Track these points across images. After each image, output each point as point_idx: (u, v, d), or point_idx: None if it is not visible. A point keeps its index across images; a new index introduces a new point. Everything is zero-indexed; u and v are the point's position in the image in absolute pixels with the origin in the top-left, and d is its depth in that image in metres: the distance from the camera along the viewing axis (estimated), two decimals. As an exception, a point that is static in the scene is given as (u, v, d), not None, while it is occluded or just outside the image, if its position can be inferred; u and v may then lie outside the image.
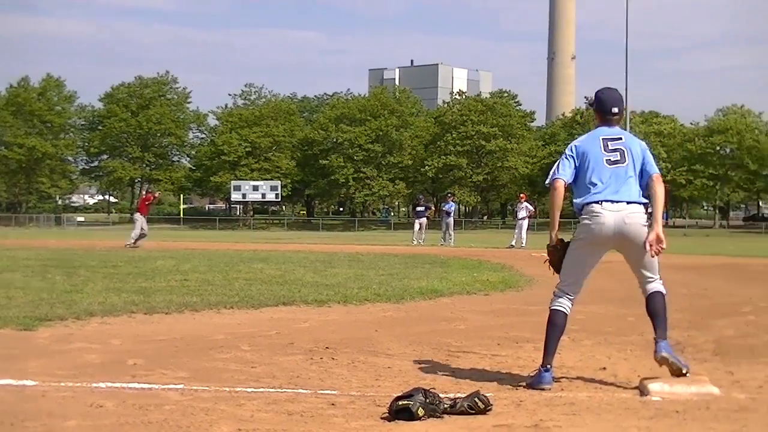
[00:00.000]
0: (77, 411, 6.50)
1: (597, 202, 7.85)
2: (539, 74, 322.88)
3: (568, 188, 8.09)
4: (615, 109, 8.14)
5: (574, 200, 8.06)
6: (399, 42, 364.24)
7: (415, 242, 43.39)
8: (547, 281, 19.77)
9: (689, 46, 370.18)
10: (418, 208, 46.96)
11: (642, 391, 7.43)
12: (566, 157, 8.08)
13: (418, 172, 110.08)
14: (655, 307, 8.16)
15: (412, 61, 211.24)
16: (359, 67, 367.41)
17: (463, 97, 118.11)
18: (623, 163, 7.92)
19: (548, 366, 7.83)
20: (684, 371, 7.70)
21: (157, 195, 41.93)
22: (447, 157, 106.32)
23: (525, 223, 41.62)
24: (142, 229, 35.56)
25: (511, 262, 26.06)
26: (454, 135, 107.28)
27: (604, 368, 8.56)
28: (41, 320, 11.38)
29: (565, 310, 8.12)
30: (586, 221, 7.94)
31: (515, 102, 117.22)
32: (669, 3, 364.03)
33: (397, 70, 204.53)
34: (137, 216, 36.84)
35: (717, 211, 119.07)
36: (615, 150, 7.95)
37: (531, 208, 44.05)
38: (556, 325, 8.05)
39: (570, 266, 8.30)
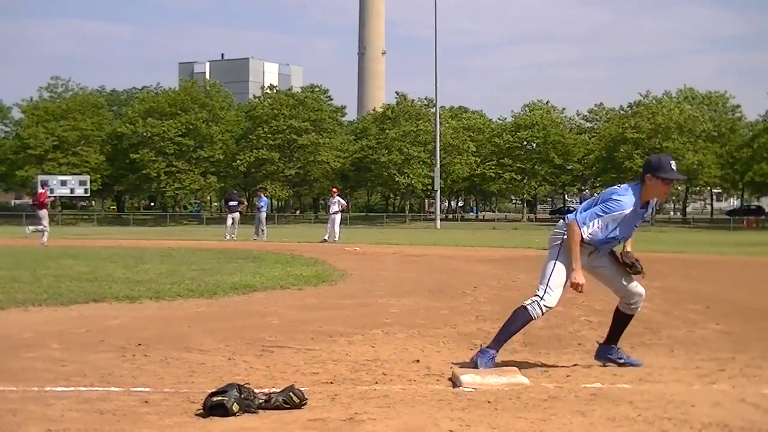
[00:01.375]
0: None
1: None
2: (350, 69, 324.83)
3: None
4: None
5: None
6: (209, 36, 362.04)
7: (227, 237, 43.16)
8: (360, 275, 19.96)
9: (497, 43, 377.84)
10: (231, 203, 46.72)
11: (454, 382, 7.55)
12: None
13: (230, 167, 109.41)
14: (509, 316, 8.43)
15: (222, 54, 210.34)
16: (169, 61, 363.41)
17: (274, 91, 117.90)
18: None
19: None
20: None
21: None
22: (259, 152, 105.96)
23: (338, 217, 41.84)
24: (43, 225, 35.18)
25: (324, 257, 26.15)
26: (265, 129, 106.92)
27: (418, 361, 8.66)
28: None
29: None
30: None
31: (326, 96, 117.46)
32: (478, 2, 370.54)
33: (208, 64, 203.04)
34: (44, 212, 35.81)
35: (525, 205, 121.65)
36: None
37: (343, 202, 44.27)
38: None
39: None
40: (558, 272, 8.27)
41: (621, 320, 8.68)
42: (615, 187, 8.54)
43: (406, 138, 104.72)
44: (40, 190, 39.02)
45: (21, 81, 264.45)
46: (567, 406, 6.69)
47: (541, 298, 8.22)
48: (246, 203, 47.22)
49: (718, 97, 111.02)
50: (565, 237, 8.29)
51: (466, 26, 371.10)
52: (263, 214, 45.35)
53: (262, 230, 44.20)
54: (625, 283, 8.51)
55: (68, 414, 6.36)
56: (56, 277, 17.51)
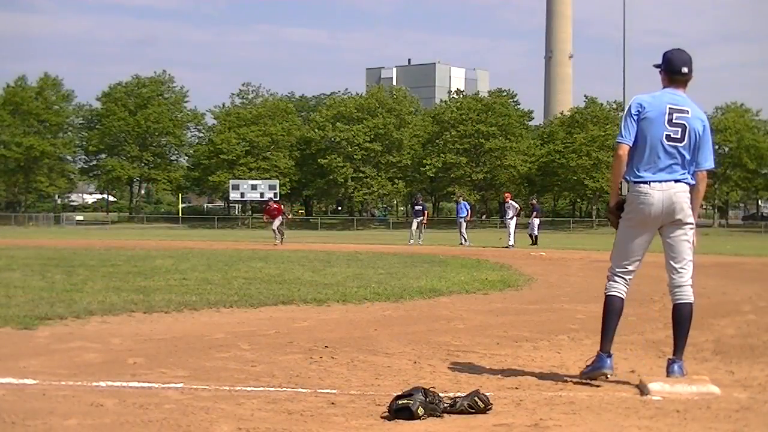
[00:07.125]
0: (77, 410, 6.47)
1: (646, 183, 7.72)
2: (537, 72, 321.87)
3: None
4: (685, 69, 7.84)
5: (626, 175, 7.87)
6: (397, 41, 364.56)
7: (411, 242, 43.45)
8: (545, 280, 19.82)
9: (688, 43, 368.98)
10: (416, 207, 47.01)
11: (642, 390, 7.41)
12: (630, 117, 7.80)
13: (417, 171, 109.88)
14: (679, 318, 8.03)
15: (409, 60, 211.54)
16: (357, 67, 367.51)
17: (461, 96, 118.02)
18: (681, 142, 7.74)
19: (609, 352, 7.87)
20: None
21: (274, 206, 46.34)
22: (446, 156, 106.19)
23: (513, 222, 41.57)
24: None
25: (510, 262, 26.08)
26: (452, 134, 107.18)
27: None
28: (41, 319, 11.38)
29: (620, 295, 7.99)
30: (635, 200, 7.80)
31: (513, 101, 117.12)
32: (667, 1, 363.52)
33: (395, 69, 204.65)
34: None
35: (716, 210, 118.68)
36: (677, 125, 7.73)
37: (516, 206, 43.92)
38: (612, 310, 7.99)
39: (620, 248, 8.02)
40: None
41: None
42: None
43: (594, 142, 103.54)
44: (274, 204, 46.99)
45: (214, 88, 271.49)
46: (760, 418, 6.47)
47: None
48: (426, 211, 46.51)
49: None
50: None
51: (658, 26, 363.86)
52: (461, 221, 44.58)
53: (464, 238, 43.63)
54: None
55: (258, 413, 6.48)
56: (246, 279, 17.91)
